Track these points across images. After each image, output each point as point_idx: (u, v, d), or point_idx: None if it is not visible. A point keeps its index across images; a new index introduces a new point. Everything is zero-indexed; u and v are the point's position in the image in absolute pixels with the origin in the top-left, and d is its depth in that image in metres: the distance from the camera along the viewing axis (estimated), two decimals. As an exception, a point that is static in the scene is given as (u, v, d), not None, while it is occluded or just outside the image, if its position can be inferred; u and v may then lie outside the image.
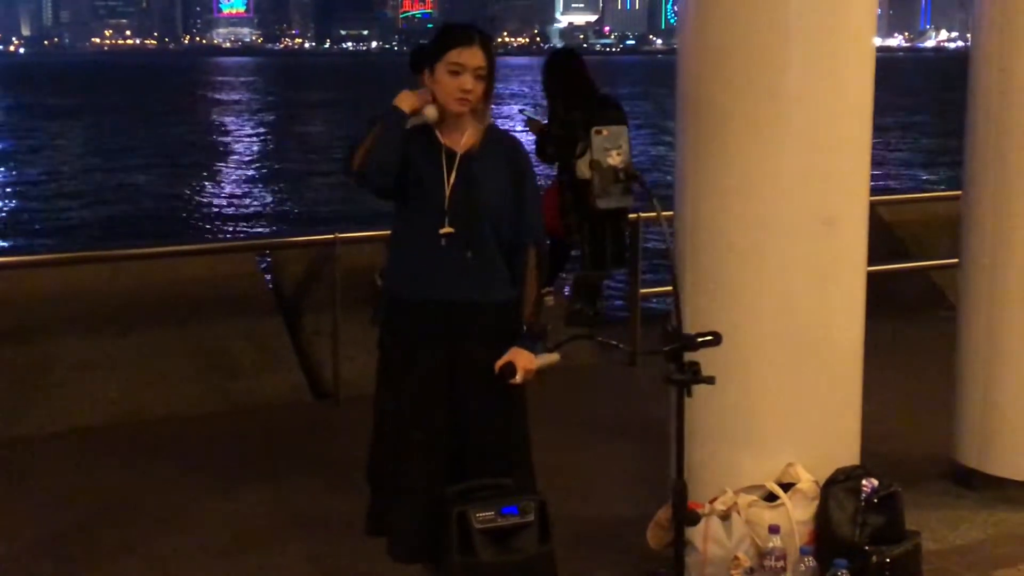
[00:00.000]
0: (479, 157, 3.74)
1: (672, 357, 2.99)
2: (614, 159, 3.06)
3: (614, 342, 3.16)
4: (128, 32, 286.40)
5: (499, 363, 3.69)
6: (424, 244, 3.70)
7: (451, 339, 3.74)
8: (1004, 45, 4.78)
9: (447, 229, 3.66)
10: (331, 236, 6.67)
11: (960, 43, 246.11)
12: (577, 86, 7.11)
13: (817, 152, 4.08)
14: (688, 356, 3.02)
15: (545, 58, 7.51)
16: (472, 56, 3.65)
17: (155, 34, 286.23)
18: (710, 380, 3.00)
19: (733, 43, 4.09)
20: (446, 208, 3.68)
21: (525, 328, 3.71)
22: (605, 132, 3.08)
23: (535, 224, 3.81)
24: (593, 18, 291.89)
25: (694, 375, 2.98)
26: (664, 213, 3.59)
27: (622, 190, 3.08)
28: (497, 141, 3.81)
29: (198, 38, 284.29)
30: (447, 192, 3.69)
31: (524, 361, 3.69)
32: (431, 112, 3.70)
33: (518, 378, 3.68)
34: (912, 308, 8.41)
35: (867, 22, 4.17)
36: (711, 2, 4.14)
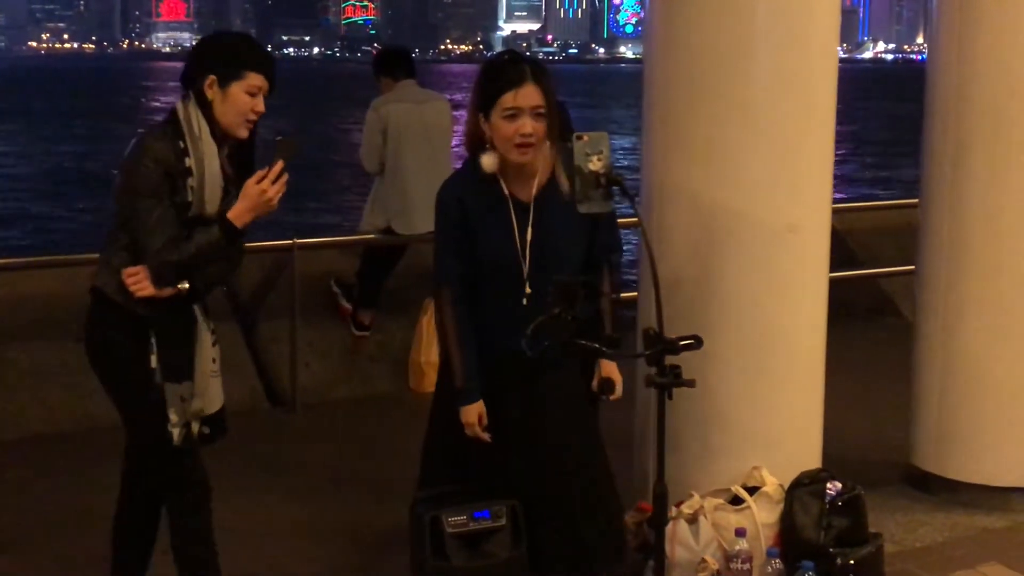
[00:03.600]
0: (551, 200, 3.49)
1: (654, 360, 3.02)
2: (595, 164, 3.05)
3: (595, 345, 3.17)
4: (66, 36, 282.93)
5: (596, 381, 3.57)
6: (503, 306, 3.51)
7: (533, 384, 3.56)
8: (962, 54, 4.86)
9: (528, 290, 3.47)
10: (289, 242, 6.64)
11: (897, 55, 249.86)
12: None
13: (782, 160, 4.14)
14: (668, 360, 3.05)
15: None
16: (527, 96, 3.39)
17: (93, 38, 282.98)
18: (691, 383, 3.03)
19: (700, 52, 4.13)
20: (525, 275, 3.48)
21: (605, 341, 3.46)
22: (586, 137, 3.07)
23: (609, 241, 3.67)
24: (536, 26, 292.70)
25: (675, 378, 3.01)
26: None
27: (603, 195, 3.08)
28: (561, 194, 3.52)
29: (137, 42, 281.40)
30: (526, 257, 3.48)
31: (618, 375, 3.58)
32: (488, 162, 3.46)
33: (618, 391, 3.58)
34: (861, 315, 8.51)
35: (830, 32, 4.24)
36: (678, 11, 4.18)
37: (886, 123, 46.87)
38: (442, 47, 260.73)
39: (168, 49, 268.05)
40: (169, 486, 3.66)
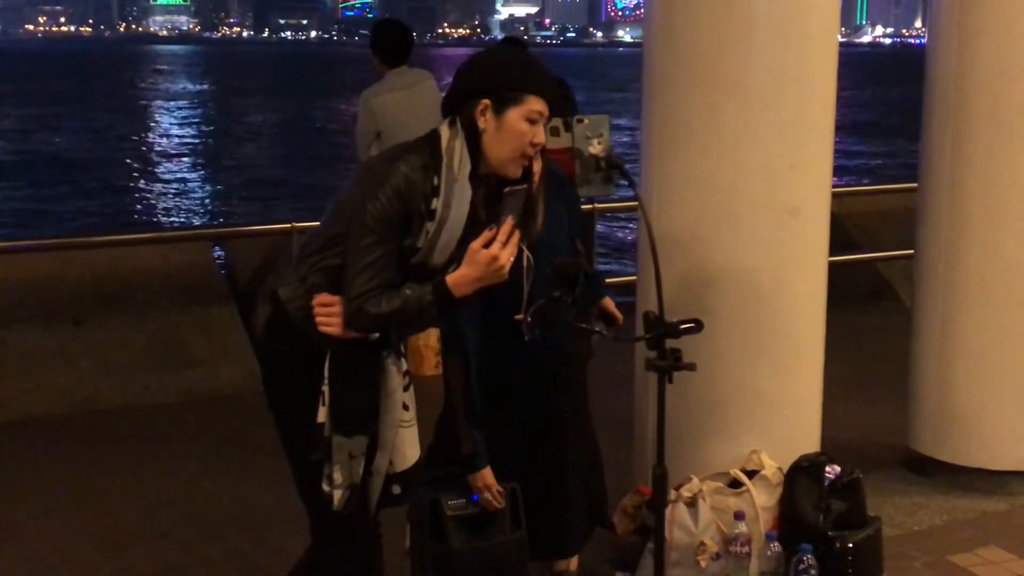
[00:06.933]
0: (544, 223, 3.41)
1: (654, 344, 3.02)
2: (595, 148, 3.05)
3: (597, 328, 3.17)
4: (63, 19, 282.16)
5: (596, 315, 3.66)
6: (502, 326, 3.46)
7: (541, 393, 3.67)
8: (961, 37, 4.84)
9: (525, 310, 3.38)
10: (287, 225, 6.63)
11: (896, 39, 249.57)
12: None
13: (782, 143, 4.12)
14: (669, 343, 3.05)
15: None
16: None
17: (90, 21, 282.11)
18: (691, 367, 3.03)
19: (699, 35, 4.11)
20: (525, 295, 3.45)
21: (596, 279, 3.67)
22: (586, 120, 3.07)
23: (580, 222, 3.71)
24: (534, 10, 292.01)
25: (676, 361, 3.00)
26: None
27: (603, 179, 3.08)
28: (547, 182, 3.44)
29: (134, 26, 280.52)
30: (526, 279, 3.45)
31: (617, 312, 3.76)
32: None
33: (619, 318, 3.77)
34: (860, 300, 8.51)
35: (831, 14, 4.22)
36: (678, -6, 4.16)
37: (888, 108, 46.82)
38: (439, 30, 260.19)
39: (165, 32, 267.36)
40: (327, 544, 3.19)
